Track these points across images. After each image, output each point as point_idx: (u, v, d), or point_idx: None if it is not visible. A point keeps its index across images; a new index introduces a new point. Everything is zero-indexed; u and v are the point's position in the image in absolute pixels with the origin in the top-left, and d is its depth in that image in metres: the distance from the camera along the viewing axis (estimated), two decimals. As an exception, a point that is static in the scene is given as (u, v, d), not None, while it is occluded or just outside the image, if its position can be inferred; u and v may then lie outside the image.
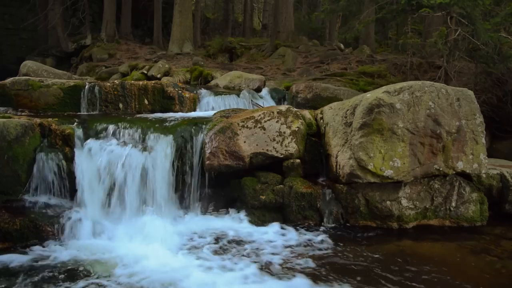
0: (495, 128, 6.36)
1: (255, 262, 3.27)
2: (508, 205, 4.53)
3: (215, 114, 4.94)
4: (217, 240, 3.69)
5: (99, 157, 3.96)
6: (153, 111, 5.58)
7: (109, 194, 3.94)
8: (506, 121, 6.30)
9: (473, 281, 3.06)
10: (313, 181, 4.36)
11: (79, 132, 4.10)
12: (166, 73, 8.77)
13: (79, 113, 5.25)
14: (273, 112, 4.44)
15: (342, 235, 3.94)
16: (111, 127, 4.23)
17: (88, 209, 3.82)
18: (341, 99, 6.08)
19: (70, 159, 3.93)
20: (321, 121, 4.66)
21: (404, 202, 4.19)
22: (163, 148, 4.13)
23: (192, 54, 12.66)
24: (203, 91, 6.34)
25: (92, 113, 5.30)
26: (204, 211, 4.24)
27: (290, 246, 3.62)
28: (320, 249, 3.57)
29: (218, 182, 4.36)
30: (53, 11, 14.42)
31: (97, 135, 4.15)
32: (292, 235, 3.86)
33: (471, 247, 3.74)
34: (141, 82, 5.76)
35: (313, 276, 3.05)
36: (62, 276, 2.98)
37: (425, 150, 4.12)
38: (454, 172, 4.25)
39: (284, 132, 4.35)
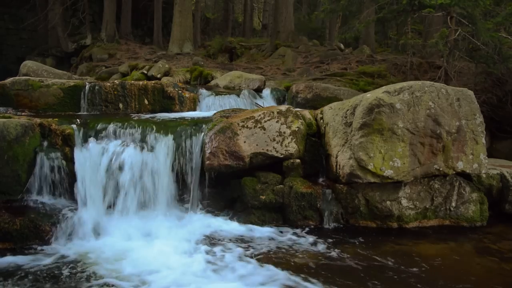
0: (495, 128, 6.37)
1: (254, 261, 3.27)
2: (508, 205, 4.53)
3: (215, 114, 4.94)
4: (216, 239, 3.69)
5: (99, 157, 3.96)
6: (153, 111, 5.58)
7: (109, 194, 3.94)
8: (506, 121, 6.30)
9: (473, 281, 3.06)
10: (313, 181, 4.36)
11: (79, 132, 4.10)
12: (166, 73, 8.77)
13: (79, 113, 5.25)
14: (273, 112, 4.44)
15: (342, 235, 3.94)
16: (111, 127, 4.23)
17: (88, 209, 3.81)
18: (341, 99, 6.07)
19: (70, 159, 3.93)
20: (321, 121, 4.66)
21: (404, 202, 4.19)
22: (163, 148, 4.13)
23: (192, 54, 12.66)
24: (203, 91, 6.34)
25: (92, 113, 5.30)
26: (204, 211, 4.23)
27: (289, 246, 3.62)
28: (320, 249, 3.57)
29: (218, 182, 4.36)
30: (53, 11, 14.42)
31: (97, 135, 4.15)
32: (292, 235, 3.86)
33: (471, 247, 3.75)
34: (141, 82, 5.76)
35: (313, 276, 3.05)
36: (62, 276, 2.98)
37: (425, 150, 4.12)
38: (454, 172, 4.26)
39: (284, 132, 4.35)
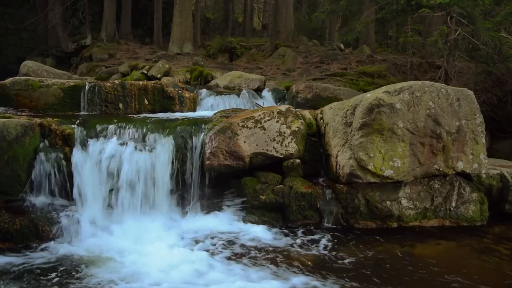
0: (495, 128, 6.37)
1: (254, 261, 3.28)
2: (508, 205, 4.53)
3: (215, 114, 4.94)
4: (216, 239, 3.69)
5: (99, 157, 3.96)
6: (153, 111, 5.58)
7: (109, 194, 3.94)
8: (506, 121, 6.30)
9: (473, 281, 3.06)
10: (313, 181, 4.36)
11: (79, 132, 4.10)
12: (166, 73, 8.77)
13: (79, 113, 5.25)
14: (273, 112, 4.44)
15: (342, 235, 3.94)
16: (111, 127, 4.23)
17: (88, 209, 3.82)
18: (341, 99, 6.07)
19: (70, 159, 3.93)
20: (321, 121, 4.66)
21: (404, 202, 4.19)
22: (163, 148, 4.13)
23: (192, 54, 12.66)
24: (203, 91, 6.34)
25: (92, 113, 5.30)
26: (204, 211, 4.23)
27: (289, 246, 3.62)
28: (320, 249, 3.57)
29: (218, 182, 4.35)
30: (53, 11, 14.42)
31: (97, 135, 4.15)
32: (292, 235, 3.86)
33: (471, 247, 3.75)
34: (141, 82, 5.76)
35: (313, 276, 3.05)
36: (62, 276, 2.98)
37: (425, 150, 4.12)
38: (454, 172, 4.26)
39: (284, 132, 4.35)
